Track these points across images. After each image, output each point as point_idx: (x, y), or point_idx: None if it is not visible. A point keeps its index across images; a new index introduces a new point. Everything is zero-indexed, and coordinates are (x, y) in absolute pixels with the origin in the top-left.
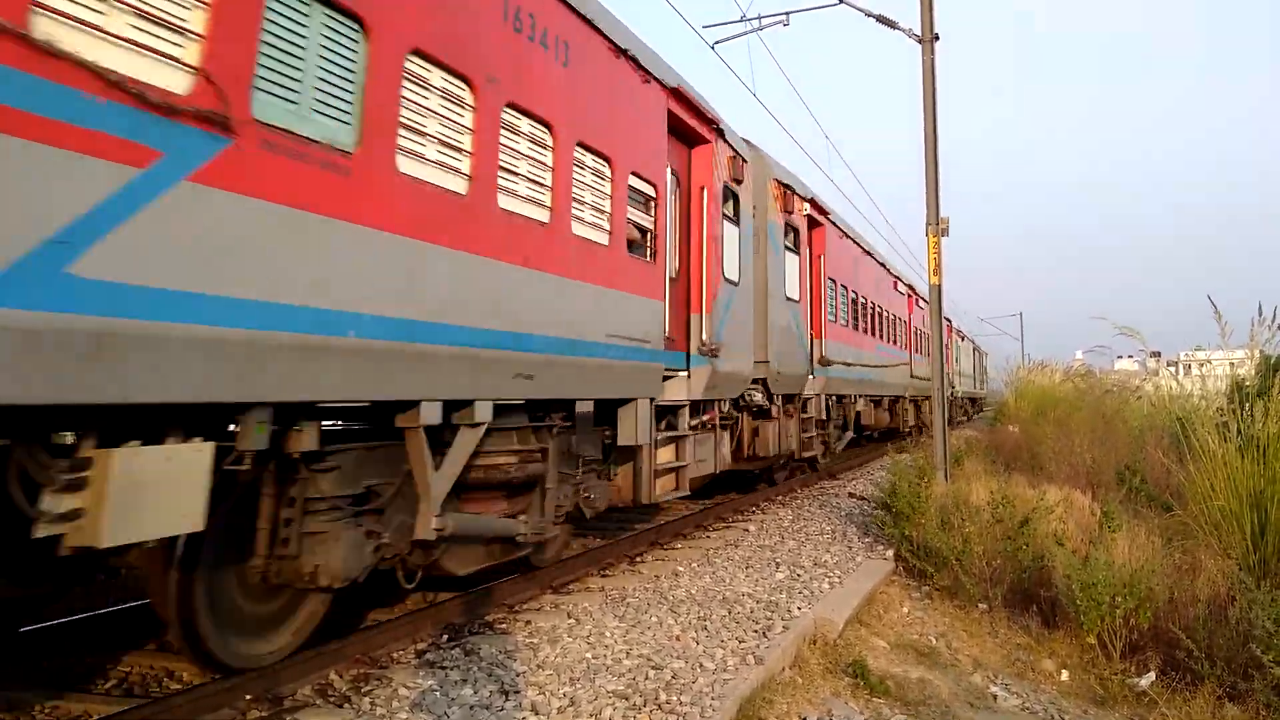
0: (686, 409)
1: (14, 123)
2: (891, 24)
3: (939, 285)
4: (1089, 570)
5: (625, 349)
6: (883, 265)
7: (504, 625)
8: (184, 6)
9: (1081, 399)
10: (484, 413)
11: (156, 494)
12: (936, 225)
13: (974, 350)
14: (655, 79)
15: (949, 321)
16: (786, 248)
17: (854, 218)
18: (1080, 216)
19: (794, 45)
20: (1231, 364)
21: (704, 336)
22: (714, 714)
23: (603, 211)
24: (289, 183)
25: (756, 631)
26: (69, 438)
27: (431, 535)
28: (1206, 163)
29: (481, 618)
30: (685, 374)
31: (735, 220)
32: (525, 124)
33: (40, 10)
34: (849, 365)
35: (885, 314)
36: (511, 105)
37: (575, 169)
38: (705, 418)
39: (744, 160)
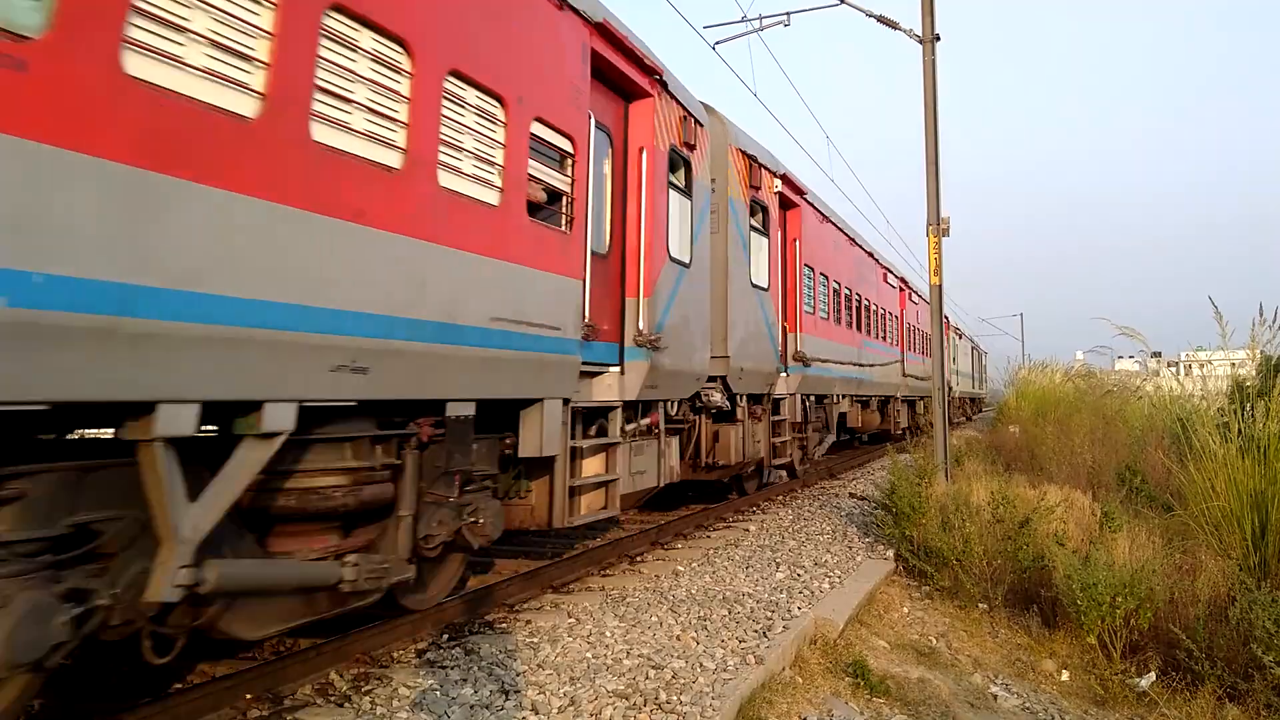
0: (619, 411)
1: None
2: (893, 24)
3: (939, 285)
4: (1089, 570)
5: (523, 337)
6: (871, 255)
7: (504, 625)
8: None
9: (1082, 399)
10: (279, 418)
11: None
12: (938, 225)
13: (972, 349)
14: (572, 7)
15: (946, 319)
16: (753, 228)
17: (855, 218)
18: (1081, 217)
19: (795, 46)
20: (1232, 364)
21: (641, 325)
22: (714, 714)
23: (490, 163)
24: None
25: (757, 631)
26: None
27: (170, 595)
28: (1208, 163)
29: (482, 617)
30: (617, 370)
31: (686, 192)
32: (367, 38)
33: None
34: (830, 363)
35: (874, 308)
36: (340, 8)
37: (446, 104)
38: (646, 421)
39: (698, 123)
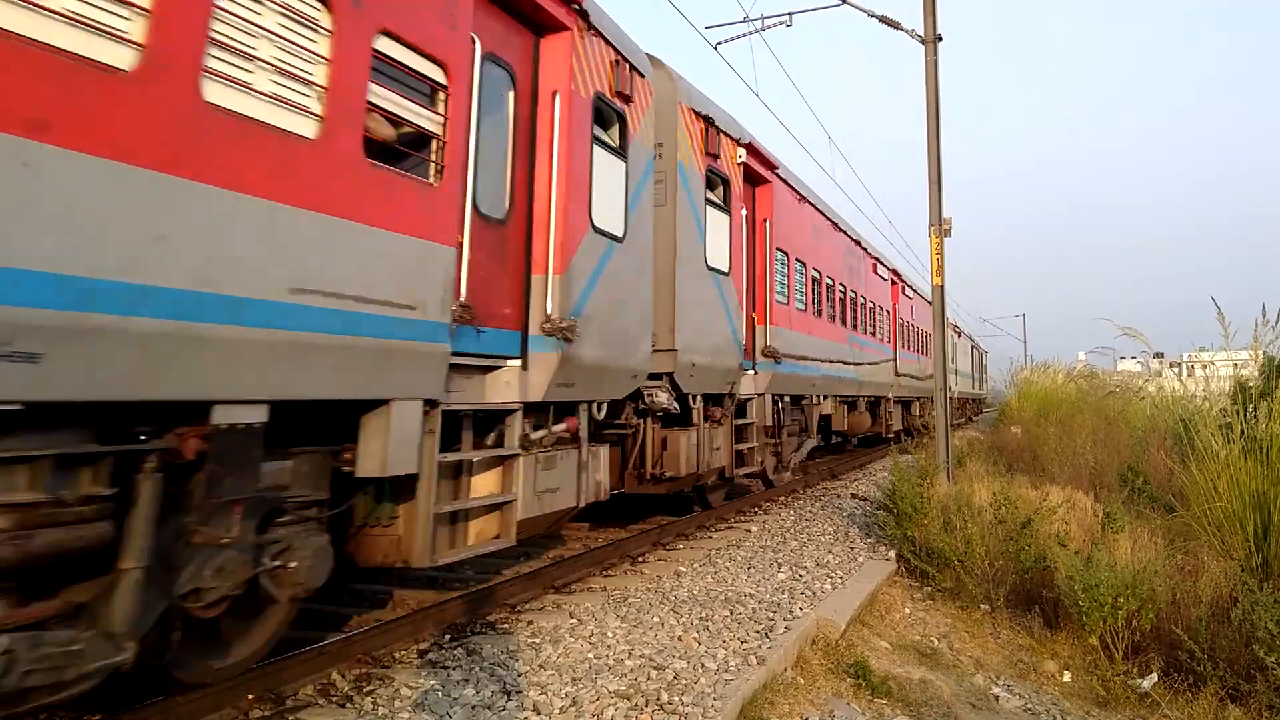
0: (519, 416)
1: None
2: (895, 25)
3: (942, 285)
4: (1091, 571)
5: (352, 318)
6: (858, 243)
7: (506, 625)
8: None
9: (1084, 400)
10: None
11: None
12: (939, 226)
13: (972, 348)
14: None
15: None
16: (711, 203)
17: (857, 218)
18: (1082, 217)
19: (797, 46)
20: (1235, 365)
21: (551, 309)
22: (716, 714)
23: (302, 81)
24: None
25: (759, 632)
26: None
27: None
28: (1208, 163)
29: (484, 617)
30: (517, 364)
31: (620, 152)
32: None
33: None
34: (808, 360)
35: (861, 301)
36: None
37: None
38: (561, 428)
39: (636, 72)
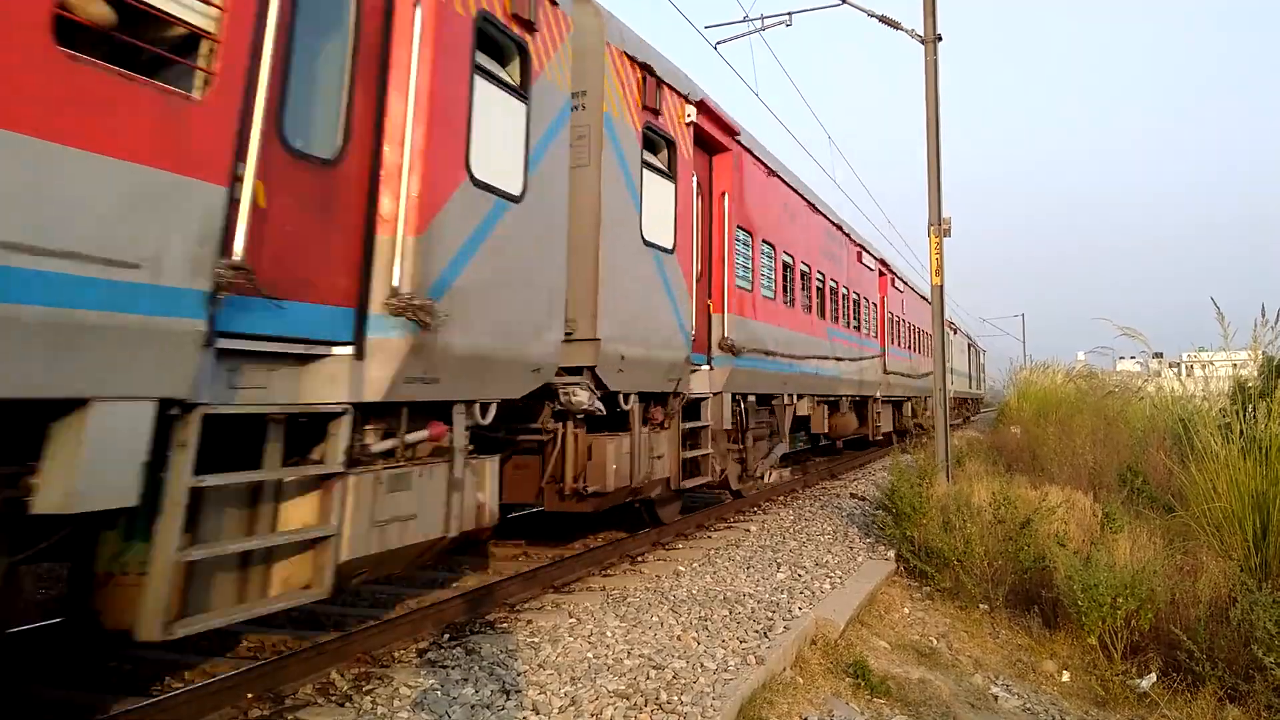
0: (347, 421)
1: None
2: (894, 24)
3: (941, 285)
4: (1090, 571)
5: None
6: (839, 228)
7: (505, 624)
8: None
9: (1083, 400)
10: None
11: None
12: (939, 225)
13: (969, 346)
14: None
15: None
16: (650, 166)
17: (857, 218)
18: (1081, 217)
19: (797, 46)
20: (1234, 365)
21: (400, 282)
22: (715, 714)
23: None
24: None
25: (758, 631)
26: None
27: None
28: (1208, 163)
29: (483, 617)
30: (348, 352)
31: (519, 92)
32: None
33: None
34: (777, 355)
35: (844, 292)
36: None
37: None
38: (420, 436)
39: None
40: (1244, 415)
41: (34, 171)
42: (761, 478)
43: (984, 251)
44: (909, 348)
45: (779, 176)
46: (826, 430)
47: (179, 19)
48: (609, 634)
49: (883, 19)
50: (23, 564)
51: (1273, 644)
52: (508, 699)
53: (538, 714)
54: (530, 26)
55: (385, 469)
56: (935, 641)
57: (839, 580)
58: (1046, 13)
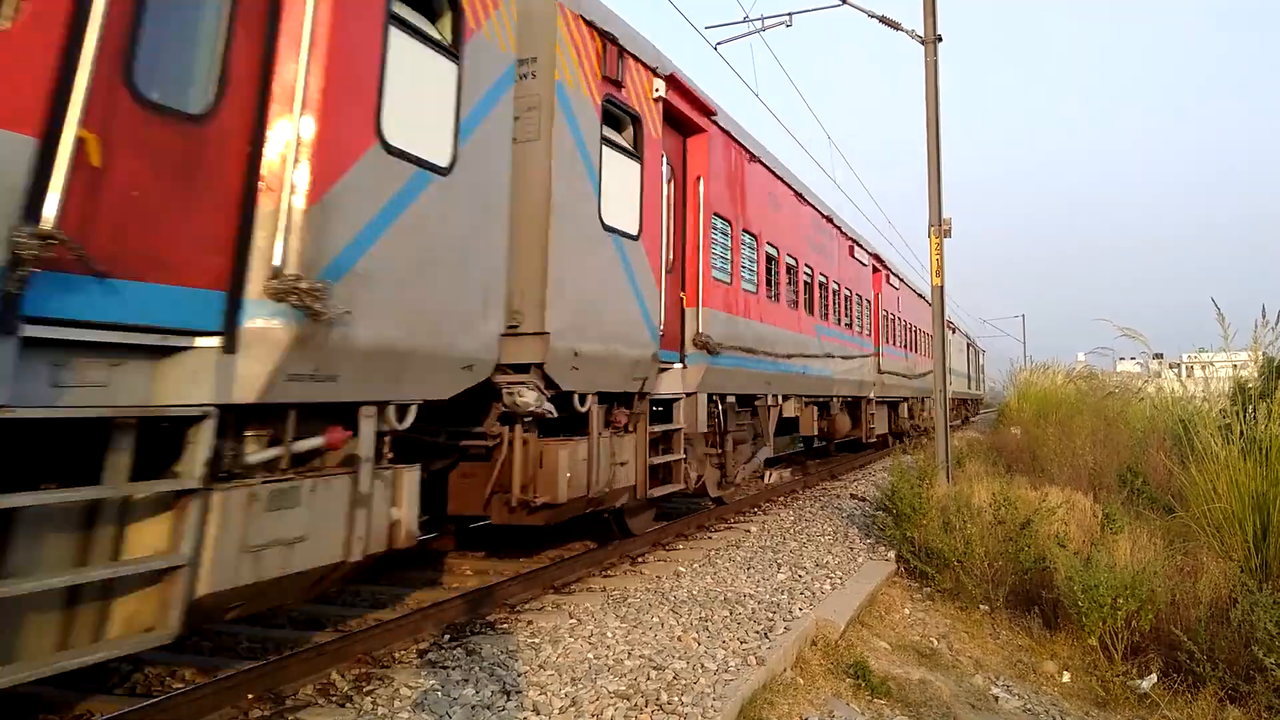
0: (209, 426)
1: None
2: (894, 25)
3: (941, 285)
4: (1091, 572)
5: None
6: (830, 220)
7: (506, 625)
8: None
9: (1084, 401)
10: None
11: None
12: (939, 226)
13: (968, 345)
14: None
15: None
16: (611, 144)
17: (857, 218)
18: (1081, 217)
19: (797, 46)
20: (1234, 366)
21: (283, 260)
22: (715, 714)
23: None
24: None
25: (758, 632)
26: None
27: None
28: (1208, 163)
29: (483, 617)
30: (214, 343)
31: (449, 51)
32: None
33: None
34: (758, 353)
35: (834, 287)
36: None
37: None
38: (312, 445)
39: None
40: (1244, 416)
41: None
42: (763, 479)
43: (984, 252)
44: (905, 347)
45: (762, 162)
46: (817, 432)
47: None
48: (609, 635)
49: (883, 19)
50: None
51: (1273, 645)
52: (508, 699)
53: (538, 714)
54: None
55: (264, 483)
56: (936, 642)
57: (839, 581)
58: (1046, 13)
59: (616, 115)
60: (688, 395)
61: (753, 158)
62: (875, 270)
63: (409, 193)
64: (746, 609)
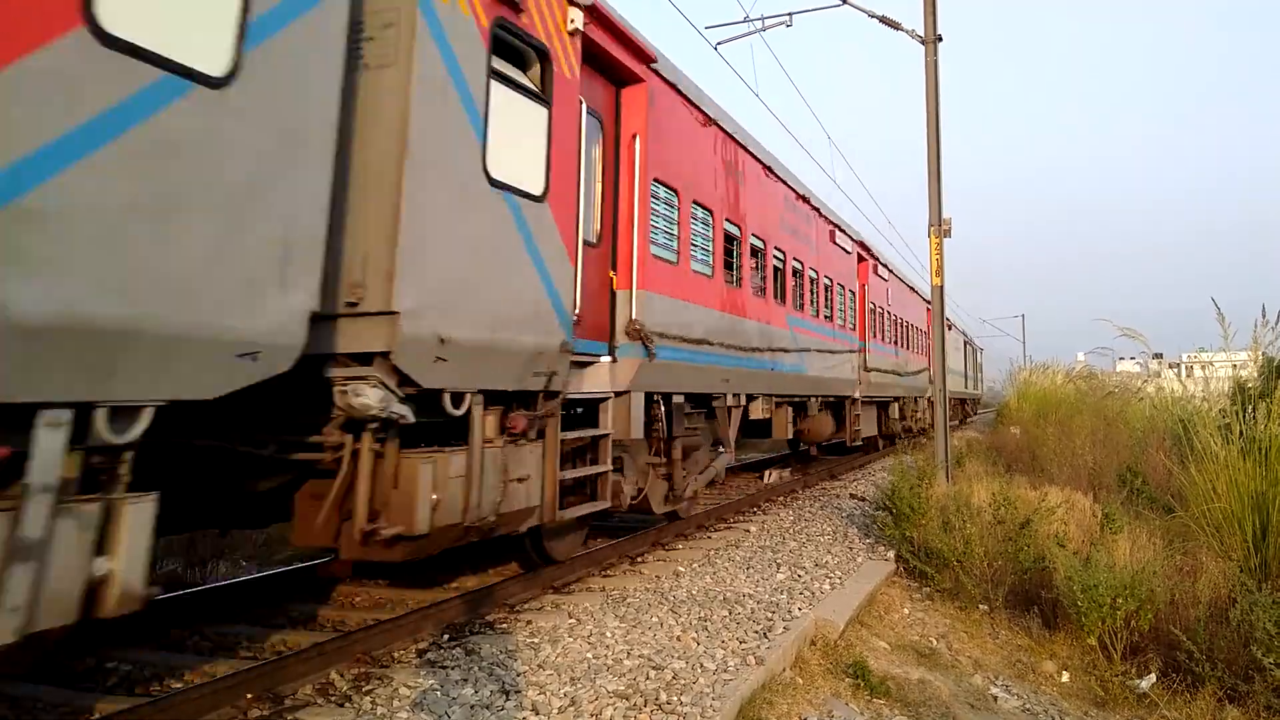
0: None
1: None
2: (895, 25)
3: (941, 286)
4: (1090, 572)
5: None
6: (805, 200)
7: (505, 625)
8: None
9: (1083, 401)
10: None
11: None
12: (939, 226)
13: (965, 344)
14: None
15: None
16: (504, 79)
17: (857, 218)
18: (1081, 223)
19: (797, 46)
20: (1234, 366)
21: None
22: (714, 714)
23: None
24: None
25: (757, 632)
26: None
27: None
28: (1208, 169)
29: (482, 617)
30: None
31: None
32: None
33: None
34: (710, 345)
35: (811, 275)
36: None
37: None
38: None
39: None
40: (1244, 416)
41: None
42: (762, 479)
43: (984, 257)
44: (895, 343)
45: (719, 126)
46: (792, 435)
47: None
48: (609, 634)
49: (883, 19)
50: None
51: (1272, 645)
52: (507, 699)
53: (537, 714)
54: None
55: None
56: (935, 642)
57: (839, 581)
58: (1046, 14)
59: (515, 47)
60: (618, 394)
61: (708, 120)
62: (861, 259)
63: (144, 104)
64: (746, 609)
